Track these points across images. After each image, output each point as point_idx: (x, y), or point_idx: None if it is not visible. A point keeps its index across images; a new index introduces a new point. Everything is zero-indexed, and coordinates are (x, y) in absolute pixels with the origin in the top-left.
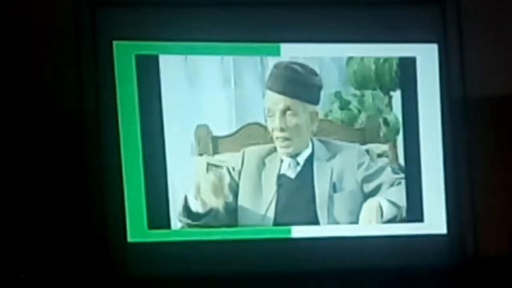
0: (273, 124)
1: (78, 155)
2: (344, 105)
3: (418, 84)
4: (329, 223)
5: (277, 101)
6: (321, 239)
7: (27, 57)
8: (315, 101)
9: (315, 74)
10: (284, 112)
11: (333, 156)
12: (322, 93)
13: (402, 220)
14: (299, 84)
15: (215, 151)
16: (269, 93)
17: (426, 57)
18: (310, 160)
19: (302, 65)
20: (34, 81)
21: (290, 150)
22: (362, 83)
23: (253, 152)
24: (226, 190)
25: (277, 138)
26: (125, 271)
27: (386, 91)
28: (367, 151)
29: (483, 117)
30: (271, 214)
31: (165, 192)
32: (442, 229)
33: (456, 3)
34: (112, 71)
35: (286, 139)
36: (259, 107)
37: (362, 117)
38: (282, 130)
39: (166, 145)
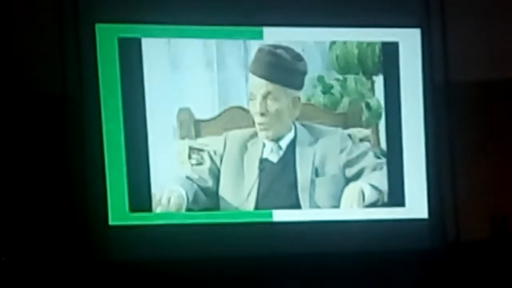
0: (254, 108)
1: (60, 138)
2: (327, 90)
3: (400, 69)
4: (311, 207)
5: (259, 85)
6: (302, 223)
7: (9, 40)
8: (298, 86)
9: (300, 59)
10: (265, 97)
11: (315, 140)
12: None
13: (384, 205)
14: (282, 69)
15: (197, 135)
16: (252, 77)
17: (409, 42)
18: (292, 144)
19: (287, 49)
20: (16, 63)
21: (269, 134)
22: (344, 68)
23: (235, 136)
24: (208, 174)
25: (258, 123)
26: (106, 254)
27: (369, 76)
28: (349, 135)
29: (465, 102)
30: (252, 198)
31: (147, 176)
32: (424, 214)
33: None
34: (94, 54)
35: (266, 123)
36: (242, 91)
37: (345, 101)
38: (262, 114)
39: (148, 129)
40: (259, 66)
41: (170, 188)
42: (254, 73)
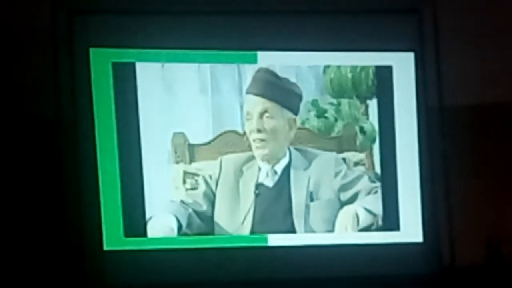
0: (251, 126)
1: (54, 162)
2: (321, 114)
3: (394, 92)
4: (305, 231)
5: (256, 103)
6: (297, 248)
7: (4, 64)
8: (294, 110)
9: (296, 85)
10: (261, 115)
11: (310, 165)
12: None
13: (378, 229)
14: (278, 88)
15: (192, 159)
16: (248, 97)
17: (403, 66)
18: (287, 169)
19: (283, 79)
20: (11, 87)
21: (266, 152)
22: (338, 92)
23: (231, 160)
24: (203, 198)
25: (253, 140)
26: (101, 280)
27: (363, 100)
28: (344, 159)
29: (459, 125)
30: (248, 222)
31: (141, 200)
32: (418, 238)
33: (432, 12)
34: (89, 78)
35: (262, 140)
36: (236, 115)
37: (339, 125)
38: (258, 131)
39: (143, 153)
40: (257, 85)
41: (165, 213)
42: (251, 93)
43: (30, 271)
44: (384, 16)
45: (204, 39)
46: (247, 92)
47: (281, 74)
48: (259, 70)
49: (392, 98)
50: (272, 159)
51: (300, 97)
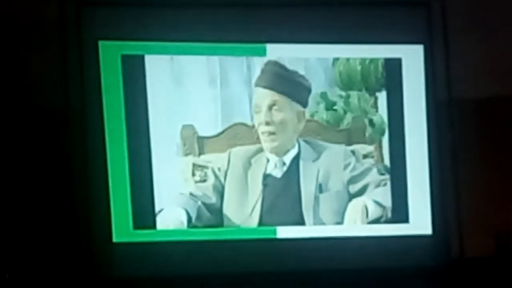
0: (259, 119)
1: (63, 155)
2: (330, 106)
3: (403, 85)
4: (314, 223)
5: (264, 96)
6: (306, 240)
7: (13, 56)
8: (303, 102)
9: (305, 78)
10: (270, 107)
11: (319, 156)
12: None
13: (387, 221)
14: (287, 81)
15: (201, 152)
16: (257, 90)
17: (412, 58)
18: (296, 160)
19: (292, 71)
20: (20, 80)
21: (275, 145)
22: (347, 84)
23: (239, 152)
24: (212, 190)
25: (262, 133)
26: (110, 271)
27: (372, 92)
28: (353, 152)
29: (468, 118)
30: (256, 214)
31: (150, 192)
32: (427, 230)
33: (441, 5)
34: (98, 71)
35: (271, 133)
36: (245, 107)
37: (348, 117)
38: (267, 124)
39: (152, 146)
40: (265, 77)
41: (174, 205)
42: (260, 85)
43: (39, 263)
44: (394, 8)
45: (213, 31)
46: (256, 85)
47: (290, 66)
48: (268, 63)
49: (401, 90)
50: (281, 152)
51: (309, 90)
